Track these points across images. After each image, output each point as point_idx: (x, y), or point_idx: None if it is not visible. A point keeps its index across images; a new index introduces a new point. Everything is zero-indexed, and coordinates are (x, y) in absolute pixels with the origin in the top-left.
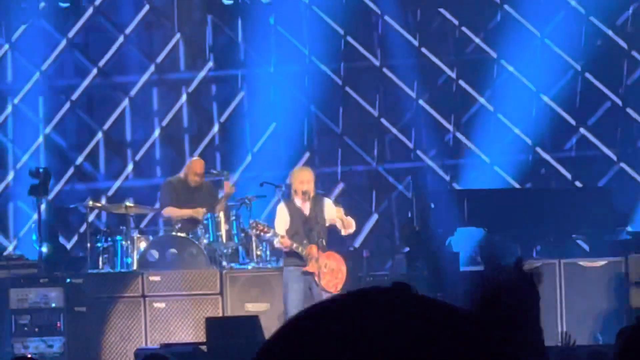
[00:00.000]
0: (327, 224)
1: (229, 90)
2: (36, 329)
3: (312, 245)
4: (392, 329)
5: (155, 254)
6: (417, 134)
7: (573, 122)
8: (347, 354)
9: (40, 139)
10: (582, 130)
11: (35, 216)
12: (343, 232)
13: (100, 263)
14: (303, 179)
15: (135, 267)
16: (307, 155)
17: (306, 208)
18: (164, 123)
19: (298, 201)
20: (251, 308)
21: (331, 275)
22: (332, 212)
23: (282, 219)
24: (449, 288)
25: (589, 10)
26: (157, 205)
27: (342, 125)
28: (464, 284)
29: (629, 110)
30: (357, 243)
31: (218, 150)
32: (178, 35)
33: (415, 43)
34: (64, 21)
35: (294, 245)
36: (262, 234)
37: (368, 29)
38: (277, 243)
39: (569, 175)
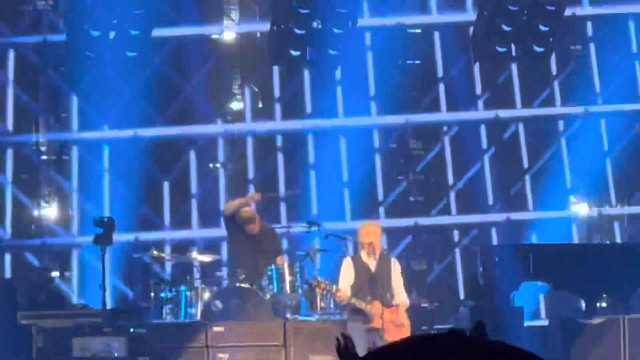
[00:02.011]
0: (392, 282)
1: (295, 141)
2: None
3: (375, 302)
4: None
5: (219, 304)
6: (483, 188)
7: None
8: None
9: (106, 189)
10: None
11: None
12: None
13: (164, 313)
14: (369, 230)
15: (199, 317)
16: (374, 208)
17: (372, 264)
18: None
19: (364, 256)
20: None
21: (396, 330)
22: (398, 274)
23: (347, 274)
24: (513, 342)
25: None
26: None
27: (407, 179)
28: (527, 339)
29: None
30: (422, 297)
31: (284, 202)
32: (245, 86)
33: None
34: (130, 70)
35: (356, 301)
36: (324, 291)
37: (434, 80)
38: (338, 300)
39: (633, 231)
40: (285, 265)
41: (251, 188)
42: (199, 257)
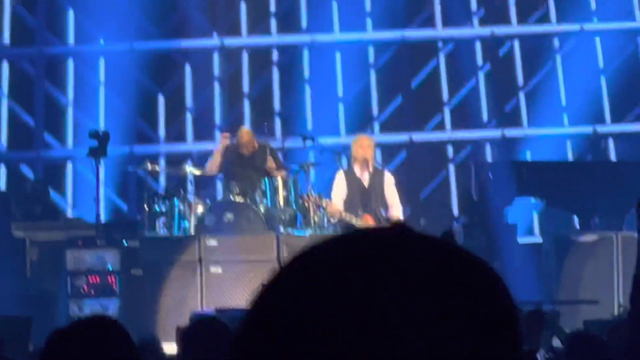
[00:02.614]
0: (385, 197)
1: (290, 56)
2: (92, 291)
3: (367, 216)
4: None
5: (212, 218)
6: (478, 105)
7: (634, 95)
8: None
9: (101, 102)
10: None
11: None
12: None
13: (158, 226)
14: (362, 144)
15: (192, 231)
16: (368, 123)
17: (365, 178)
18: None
19: (357, 170)
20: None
21: None
22: (391, 188)
23: (340, 188)
24: (506, 259)
25: None
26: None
27: (403, 95)
28: (520, 255)
29: None
30: (415, 212)
31: (279, 116)
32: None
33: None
34: None
35: (347, 216)
36: (316, 205)
37: None
38: (328, 213)
39: (629, 148)
40: (280, 179)
41: (246, 102)
42: (193, 171)
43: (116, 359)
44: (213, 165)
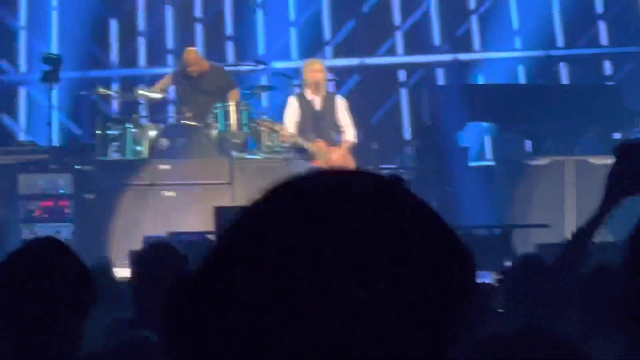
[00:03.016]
0: (337, 120)
1: None
2: (45, 215)
3: (319, 141)
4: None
5: (165, 142)
6: (430, 29)
7: (587, 19)
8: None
9: (54, 26)
10: (597, 25)
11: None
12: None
13: (110, 150)
14: (314, 68)
15: (145, 155)
16: (320, 47)
17: (317, 102)
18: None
19: (309, 94)
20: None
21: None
22: (343, 111)
23: (292, 113)
24: (458, 182)
25: None
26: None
27: (355, 19)
28: (472, 179)
29: None
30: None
31: (231, 40)
32: None
33: None
34: None
35: (299, 140)
36: (268, 130)
37: None
38: (281, 137)
39: (580, 73)
40: (232, 103)
41: (199, 27)
42: (146, 94)
43: (67, 281)
44: (157, 85)
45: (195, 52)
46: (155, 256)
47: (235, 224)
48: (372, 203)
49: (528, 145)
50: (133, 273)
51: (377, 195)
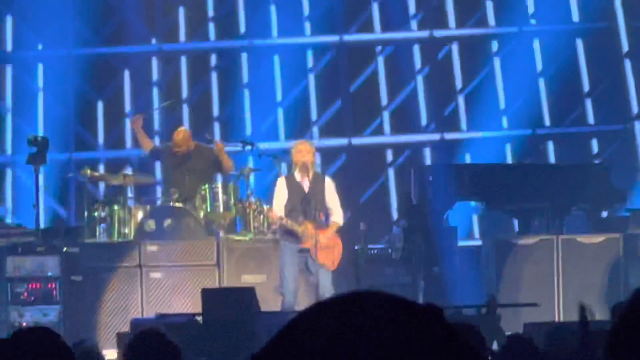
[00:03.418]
0: (326, 202)
1: (229, 60)
2: (32, 298)
3: (307, 222)
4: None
5: (152, 224)
6: (417, 108)
7: (573, 98)
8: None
9: (40, 108)
10: (582, 105)
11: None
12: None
13: (98, 233)
14: (302, 149)
15: (132, 237)
16: (307, 127)
17: (305, 184)
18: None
19: (298, 176)
20: (248, 279)
21: (327, 251)
22: (332, 193)
23: (280, 194)
24: (446, 263)
25: None
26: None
27: (342, 99)
28: (460, 259)
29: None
30: (355, 216)
31: (218, 121)
32: (179, 5)
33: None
34: None
35: (288, 222)
36: (256, 211)
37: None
38: (269, 220)
39: (567, 152)
40: (219, 184)
41: (185, 108)
42: (132, 177)
43: None
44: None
45: (185, 133)
46: (144, 344)
47: (274, 344)
48: (408, 332)
49: (516, 224)
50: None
51: (413, 324)
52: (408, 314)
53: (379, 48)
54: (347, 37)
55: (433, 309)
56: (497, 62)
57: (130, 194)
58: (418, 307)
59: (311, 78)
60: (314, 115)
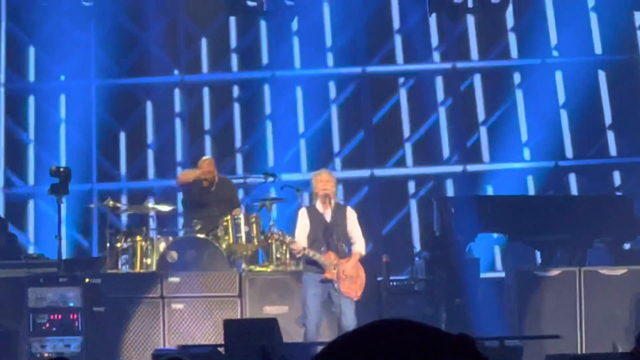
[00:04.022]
0: (348, 232)
1: (251, 92)
2: (54, 329)
3: (330, 253)
4: None
5: (174, 255)
6: (439, 140)
7: (596, 129)
8: None
9: (62, 138)
10: (604, 137)
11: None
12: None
13: (120, 263)
14: (323, 179)
15: (154, 268)
16: (330, 159)
17: (327, 214)
18: (186, 124)
19: (319, 206)
20: (270, 311)
21: (350, 282)
22: (353, 223)
23: (303, 224)
24: (468, 294)
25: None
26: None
27: (364, 130)
28: (483, 290)
29: None
30: (377, 248)
31: (240, 152)
32: (202, 36)
33: (438, 46)
34: (87, 20)
35: (310, 252)
36: (279, 242)
37: (390, 31)
38: (292, 250)
39: (589, 184)
40: (242, 216)
41: (207, 139)
42: (155, 207)
43: None
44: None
45: (211, 161)
46: None
47: None
48: None
49: (538, 255)
50: None
51: (445, 355)
52: (441, 344)
53: (401, 79)
54: (370, 69)
55: (466, 338)
56: (519, 94)
57: (152, 225)
58: (451, 337)
59: (334, 109)
60: (336, 147)
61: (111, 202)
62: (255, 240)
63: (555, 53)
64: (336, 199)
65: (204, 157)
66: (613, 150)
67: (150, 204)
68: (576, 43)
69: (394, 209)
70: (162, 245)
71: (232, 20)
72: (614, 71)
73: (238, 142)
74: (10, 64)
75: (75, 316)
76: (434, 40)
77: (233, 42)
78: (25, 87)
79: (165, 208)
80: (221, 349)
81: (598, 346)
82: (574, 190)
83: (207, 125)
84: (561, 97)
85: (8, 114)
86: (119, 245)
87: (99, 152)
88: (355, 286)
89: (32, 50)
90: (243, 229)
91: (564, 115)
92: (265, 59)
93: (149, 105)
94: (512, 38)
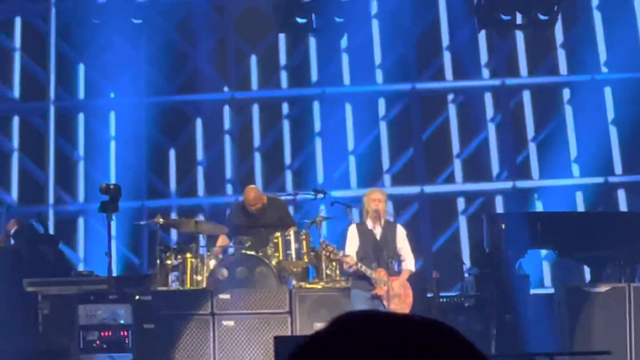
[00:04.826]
0: (397, 249)
1: (301, 109)
2: (104, 346)
3: (380, 269)
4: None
5: (225, 272)
6: (488, 156)
7: None
8: None
9: (112, 156)
10: None
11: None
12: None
13: (170, 280)
14: (374, 197)
15: (204, 285)
16: (379, 176)
17: (377, 231)
18: (235, 141)
19: (369, 223)
20: (320, 327)
21: (399, 299)
22: (403, 240)
23: (353, 241)
24: (518, 310)
25: None
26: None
27: (414, 147)
28: (533, 306)
29: None
30: (427, 264)
31: (290, 169)
32: (251, 54)
33: (487, 63)
34: (137, 37)
35: (362, 267)
36: (330, 255)
37: (439, 48)
38: (345, 265)
39: (639, 200)
40: (292, 232)
41: (257, 156)
42: (204, 225)
43: None
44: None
45: (256, 191)
46: None
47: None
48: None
49: (587, 272)
50: None
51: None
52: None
53: (450, 96)
54: (419, 86)
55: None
56: (568, 110)
57: (202, 242)
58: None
59: (383, 126)
60: (386, 164)
61: (161, 219)
62: (306, 257)
63: (604, 69)
64: (386, 216)
65: (249, 187)
66: None
67: (200, 220)
68: (625, 59)
69: (444, 225)
70: (212, 263)
71: (282, 37)
72: None
73: (288, 159)
74: (60, 82)
75: (125, 333)
76: (483, 56)
77: (283, 59)
78: (75, 105)
79: (215, 229)
80: None
81: None
82: (623, 206)
83: (256, 142)
84: (610, 114)
85: (58, 132)
86: (169, 262)
87: (149, 169)
88: (403, 304)
89: (81, 68)
90: (293, 245)
91: (613, 131)
92: (314, 76)
93: (198, 123)
94: (561, 54)
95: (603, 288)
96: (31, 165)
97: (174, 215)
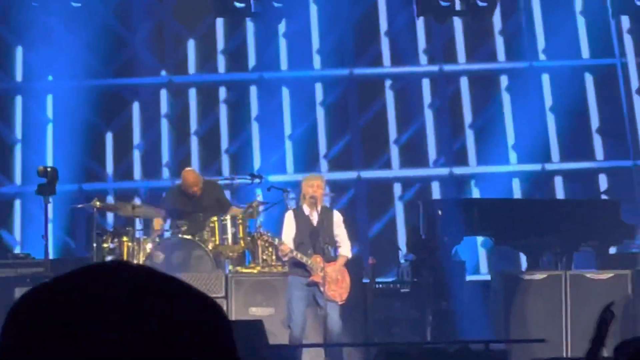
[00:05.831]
0: (334, 235)
1: (238, 93)
2: None
3: (316, 255)
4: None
5: (161, 256)
6: (426, 142)
7: (582, 133)
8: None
9: (49, 139)
10: (591, 141)
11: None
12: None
13: None
14: (312, 183)
15: None
16: (316, 161)
17: (314, 217)
18: (173, 125)
19: (306, 209)
20: (256, 312)
21: (336, 284)
22: (339, 226)
23: (289, 227)
24: (454, 297)
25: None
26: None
27: (351, 132)
28: (469, 293)
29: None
30: (363, 250)
31: (227, 154)
32: (189, 38)
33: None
34: (75, 21)
35: (298, 255)
36: (266, 243)
37: (377, 33)
38: (280, 252)
39: (577, 187)
40: (228, 217)
41: (194, 140)
42: (141, 209)
43: None
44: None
45: (195, 173)
46: None
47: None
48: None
49: (524, 259)
50: None
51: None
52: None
53: (388, 82)
54: (357, 71)
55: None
56: (506, 97)
57: (139, 226)
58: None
59: (320, 111)
60: (323, 149)
61: (98, 203)
62: (242, 241)
63: (542, 56)
64: (323, 202)
65: (187, 169)
66: (600, 153)
67: (136, 204)
68: (563, 47)
69: (381, 211)
70: (149, 246)
71: (220, 21)
72: (601, 75)
73: (225, 144)
74: None
75: None
76: (422, 42)
77: (220, 44)
78: (12, 87)
79: (151, 212)
80: None
81: (583, 350)
82: (560, 193)
83: (193, 126)
84: (548, 101)
85: None
86: (105, 245)
87: (86, 153)
88: (340, 289)
89: (20, 50)
90: (230, 230)
91: (550, 118)
92: (252, 61)
93: (136, 106)
94: (499, 41)
95: (539, 275)
96: None
97: (110, 199)
